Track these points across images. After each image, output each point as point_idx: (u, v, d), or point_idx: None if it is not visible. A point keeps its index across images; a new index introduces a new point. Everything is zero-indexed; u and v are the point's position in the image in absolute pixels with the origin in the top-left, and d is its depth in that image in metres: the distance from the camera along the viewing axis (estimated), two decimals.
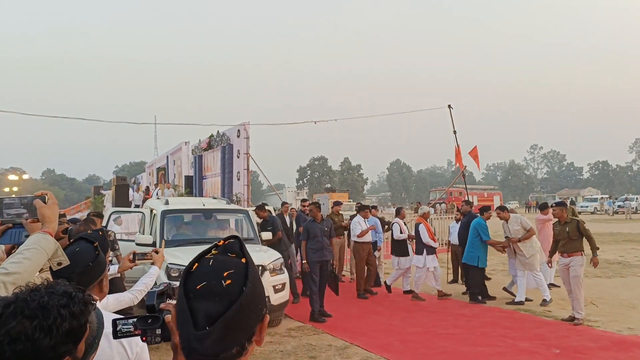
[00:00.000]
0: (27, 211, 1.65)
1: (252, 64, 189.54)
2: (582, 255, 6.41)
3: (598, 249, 6.59)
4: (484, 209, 8.46)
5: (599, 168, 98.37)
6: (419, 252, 8.24)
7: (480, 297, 7.84)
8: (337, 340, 5.85)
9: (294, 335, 6.11)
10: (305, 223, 7.33)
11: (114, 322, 1.08)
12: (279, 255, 6.80)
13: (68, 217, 7.82)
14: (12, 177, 61.32)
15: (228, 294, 0.83)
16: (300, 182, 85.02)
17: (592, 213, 39.86)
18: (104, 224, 7.32)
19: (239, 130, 15.72)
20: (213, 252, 0.91)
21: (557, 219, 6.75)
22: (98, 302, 1.61)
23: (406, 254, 8.66)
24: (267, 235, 7.49)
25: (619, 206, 37.74)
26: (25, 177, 67.67)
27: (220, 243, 0.93)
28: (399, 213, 9.25)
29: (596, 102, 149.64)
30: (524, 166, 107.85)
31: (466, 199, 10.90)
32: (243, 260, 0.89)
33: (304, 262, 7.01)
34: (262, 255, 6.54)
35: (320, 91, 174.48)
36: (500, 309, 7.29)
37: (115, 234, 6.56)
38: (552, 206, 7.25)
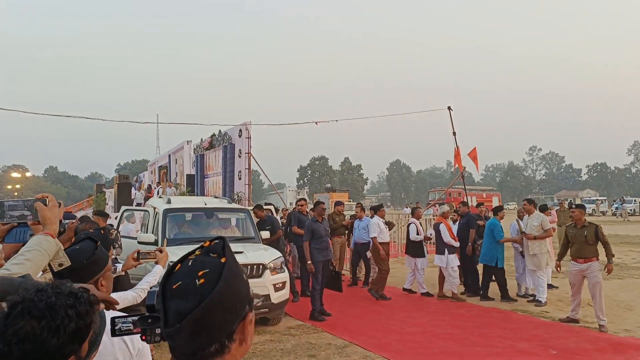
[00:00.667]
0: (30, 214, 1.66)
1: (254, 65, 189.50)
2: (598, 260, 6.20)
3: (613, 255, 6.37)
4: (498, 209, 8.45)
5: (598, 170, 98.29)
6: (440, 251, 8.10)
7: (483, 293, 7.94)
8: (336, 339, 5.85)
9: (294, 333, 6.11)
10: (307, 223, 7.26)
11: (113, 320, 1.09)
12: (279, 254, 6.80)
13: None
14: (15, 174, 61.50)
15: (200, 292, 0.84)
16: (301, 181, 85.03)
17: (589, 215, 39.90)
18: (112, 222, 7.33)
19: (240, 130, 15.73)
20: (196, 253, 0.92)
21: (572, 222, 6.48)
22: None
23: (422, 255, 8.52)
24: (265, 234, 7.50)
25: (616, 208, 37.76)
26: (27, 174, 67.78)
27: (206, 244, 0.94)
28: (414, 213, 9.05)
29: (595, 104, 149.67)
30: (522, 167, 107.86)
31: (464, 200, 10.89)
32: (223, 259, 0.90)
33: (308, 262, 6.92)
34: (262, 253, 6.54)
35: (321, 92, 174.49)
36: (498, 309, 7.29)
37: (117, 232, 6.55)
38: (570, 207, 7.12)
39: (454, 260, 8.05)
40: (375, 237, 8.12)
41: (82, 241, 1.75)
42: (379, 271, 8.21)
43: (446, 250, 8.03)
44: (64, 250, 1.58)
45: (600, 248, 6.32)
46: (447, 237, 8.04)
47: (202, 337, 0.85)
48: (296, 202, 9.79)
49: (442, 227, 8.15)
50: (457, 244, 8.19)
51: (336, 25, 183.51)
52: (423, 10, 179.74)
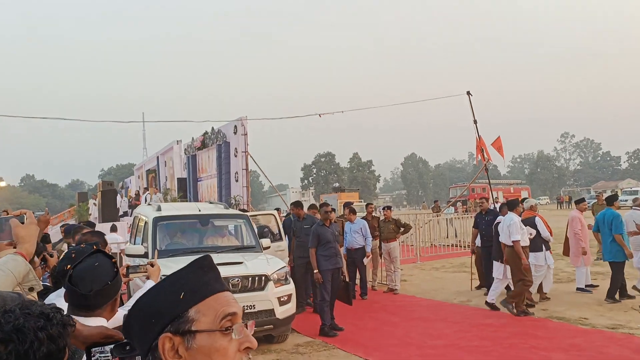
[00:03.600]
0: (2, 232, 1.65)
1: (249, 53, 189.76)
2: None
3: None
4: (613, 198, 8.43)
5: (639, 157, 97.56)
6: (537, 248, 7.91)
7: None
8: (350, 356, 5.88)
9: (302, 351, 6.14)
10: (313, 227, 7.29)
11: (88, 352, 1.09)
12: (283, 264, 6.84)
13: (52, 228, 7.78)
14: None
15: None
16: (306, 181, 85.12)
17: (631, 207, 39.53)
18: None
19: (235, 126, 15.79)
20: None
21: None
22: (106, 321, 1.63)
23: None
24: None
25: None
26: (2, 184, 68.23)
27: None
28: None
29: (633, 84, 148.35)
30: (554, 157, 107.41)
31: (488, 195, 10.90)
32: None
33: (315, 271, 6.96)
34: (264, 263, 6.56)
35: (325, 80, 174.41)
36: (530, 317, 7.27)
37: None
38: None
39: (550, 258, 8.00)
40: (519, 241, 7.31)
41: (94, 255, 1.69)
42: (521, 282, 7.33)
43: (543, 246, 7.93)
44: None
45: None
46: (545, 232, 7.90)
47: (132, 340, 0.97)
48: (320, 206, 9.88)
49: (538, 220, 7.99)
50: (552, 239, 8.10)
51: (343, 7, 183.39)
52: None
